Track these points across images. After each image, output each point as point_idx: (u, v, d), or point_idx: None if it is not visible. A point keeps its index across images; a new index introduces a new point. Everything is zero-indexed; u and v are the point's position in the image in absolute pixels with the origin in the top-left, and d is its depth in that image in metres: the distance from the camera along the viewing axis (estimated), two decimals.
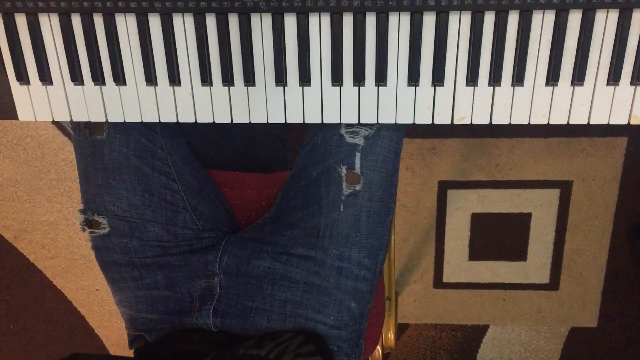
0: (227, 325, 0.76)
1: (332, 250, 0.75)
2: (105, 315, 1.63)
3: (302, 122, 0.67)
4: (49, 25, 0.64)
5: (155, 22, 0.63)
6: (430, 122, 0.66)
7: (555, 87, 0.64)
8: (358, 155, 0.73)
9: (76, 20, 0.63)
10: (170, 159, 0.79)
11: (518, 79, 0.63)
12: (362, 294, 0.77)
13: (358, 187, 0.73)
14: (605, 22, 0.60)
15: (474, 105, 0.65)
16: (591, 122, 0.65)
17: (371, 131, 0.72)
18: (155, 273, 0.78)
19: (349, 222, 0.74)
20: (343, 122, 0.67)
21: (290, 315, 0.75)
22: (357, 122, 0.67)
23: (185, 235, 0.79)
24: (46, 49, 0.65)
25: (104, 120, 0.68)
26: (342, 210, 0.74)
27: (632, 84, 0.63)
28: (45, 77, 0.66)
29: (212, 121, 0.67)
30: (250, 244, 0.78)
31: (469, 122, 0.66)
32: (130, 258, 0.78)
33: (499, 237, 1.47)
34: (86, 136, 0.75)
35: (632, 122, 0.64)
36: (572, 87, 0.63)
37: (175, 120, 0.68)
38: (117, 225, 0.77)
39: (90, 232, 0.78)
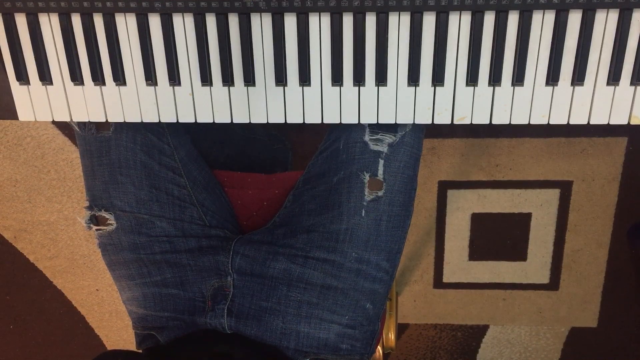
0: (242, 325, 0.75)
1: (352, 253, 0.74)
2: (105, 315, 1.63)
3: (302, 122, 0.67)
4: (49, 25, 0.64)
5: (155, 22, 0.63)
6: (430, 122, 0.66)
7: (555, 87, 0.63)
8: (381, 162, 0.73)
9: (76, 20, 0.63)
10: (176, 155, 0.79)
11: (518, 79, 0.63)
12: (378, 295, 0.77)
13: (380, 193, 0.73)
14: (605, 22, 0.60)
15: (474, 105, 0.65)
16: (591, 122, 0.65)
17: (395, 139, 0.72)
18: (164, 270, 0.78)
19: (370, 227, 0.74)
20: (343, 122, 0.67)
21: (305, 316, 0.75)
22: (357, 121, 0.67)
23: (193, 230, 0.79)
24: (46, 49, 0.65)
25: (105, 120, 0.68)
26: (363, 215, 0.74)
27: (632, 84, 0.63)
28: (45, 77, 0.66)
29: (212, 121, 0.67)
30: (264, 247, 0.77)
31: (469, 122, 0.66)
32: (138, 254, 0.78)
33: (499, 237, 1.47)
34: (92, 132, 0.75)
35: (632, 122, 0.64)
36: (572, 87, 0.63)
37: (175, 121, 0.68)
38: (124, 221, 0.77)
39: (97, 230, 0.78)
